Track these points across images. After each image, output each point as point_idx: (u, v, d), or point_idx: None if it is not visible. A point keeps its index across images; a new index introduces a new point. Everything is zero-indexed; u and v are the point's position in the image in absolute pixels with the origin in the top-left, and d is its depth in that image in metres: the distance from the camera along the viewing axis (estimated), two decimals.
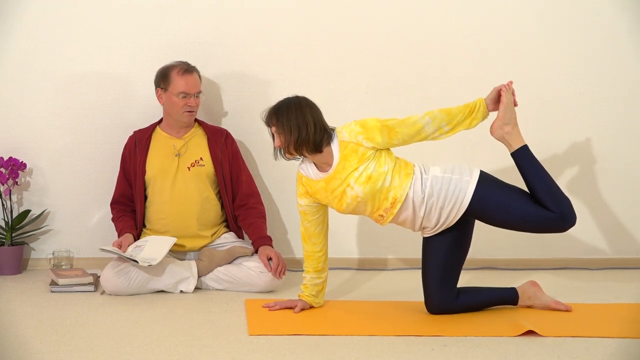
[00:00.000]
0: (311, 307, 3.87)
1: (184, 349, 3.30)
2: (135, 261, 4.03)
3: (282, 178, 4.69)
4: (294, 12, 4.69)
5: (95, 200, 4.68)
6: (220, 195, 4.41)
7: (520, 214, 3.66)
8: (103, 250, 4.16)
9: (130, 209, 4.43)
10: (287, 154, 3.70)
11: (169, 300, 4.03)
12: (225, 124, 4.65)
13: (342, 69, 4.72)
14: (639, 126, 4.84)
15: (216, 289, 4.23)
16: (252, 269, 4.21)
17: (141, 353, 3.25)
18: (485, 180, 3.68)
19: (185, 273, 4.18)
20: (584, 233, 4.82)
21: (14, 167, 4.53)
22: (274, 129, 3.69)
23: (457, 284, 3.79)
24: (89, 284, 4.19)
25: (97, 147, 4.68)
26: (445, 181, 3.66)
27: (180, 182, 4.33)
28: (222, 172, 4.38)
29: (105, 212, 4.58)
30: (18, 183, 4.59)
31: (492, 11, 4.74)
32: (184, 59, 4.42)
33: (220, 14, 4.66)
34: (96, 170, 4.68)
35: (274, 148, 3.72)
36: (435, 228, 3.71)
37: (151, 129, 4.44)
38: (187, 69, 4.32)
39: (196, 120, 4.48)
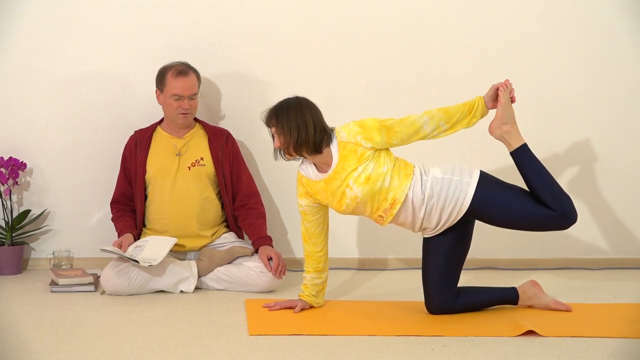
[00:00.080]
0: (311, 307, 3.87)
1: (184, 349, 3.30)
2: (136, 261, 4.03)
3: (282, 178, 4.69)
4: (294, 12, 4.68)
5: (95, 200, 4.68)
6: (220, 196, 4.41)
7: (521, 213, 3.66)
8: (104, 250, 4.16)
9: (130, 208, 4.43)
10: (286, 155, 3.70)
11: (169, 300, 4.03)
12: (225, 124, 4.65)
13: (342, 69, 4.72)
14: (639, 126, 4.84)
15: (216, 289, 4.23)
16: (252, 269, 4.21)
17: (141, 353, 3.25)
18: (485, 181, 3.68)
19: (185, 273, 4.18)
20: (584, 233, 4.82)
21: (14, 167, 4.53)
22: (273, 129, 3.68)
23: (457, 283, 3.79)
24: (89, 284, 4.19)
25: (97, 147, 4.68)
26: (445, 182, 3.66)
27: (181, 181, 4.33)
28: (223, 172, 4.38)
29: (105, 212, 4.58)
30: (18, 183, 4.59)
31: (492, 11, 4.74)
32: (184, 59, 4.42)
33: (220, 14, 4.66)
34: (96, 170, 4.68)
35: (274, 148, 3.72)
36: (436, 229, 3.71)
37: (152, 128, 4.44)
38: (182, 71, 4.30)
39: (197, 120, 4.48)
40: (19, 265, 4.57)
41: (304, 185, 3.76)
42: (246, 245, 4.36)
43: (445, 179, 3.67)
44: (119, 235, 4.31)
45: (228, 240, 4.38)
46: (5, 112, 4.64)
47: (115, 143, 4.60)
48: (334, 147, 3.65)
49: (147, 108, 4.57)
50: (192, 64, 4.40)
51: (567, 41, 4.77)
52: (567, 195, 3.69)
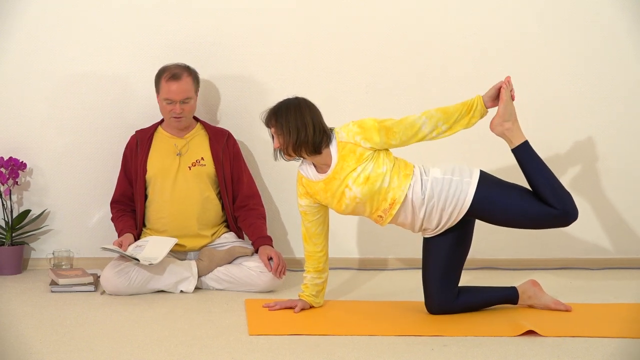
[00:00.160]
0: (311, 307, 3.87)
1: (184, 349, 3.30)
2: (137, 259, 4.03)
3: (282, 178, 4.69)
4: (294, 12, 4.68)
5: (95, 200, 4.68)
6: (220, 196, 4.41)
7: (522, 212, 3.66)
8: (104, 249, 4.16)
9: (130, 208, 4.43)
10: (286, 155, 3.70)
11: (169, 300, 4.03)
12: (225, 124, 4.65)
13: (342, 69, 4.72)
14: (639, 126, 4.84)
15: (216, 289, 4.23)
16: (252, 269, 4.21)
17: (141, 353, 3.25)
18: (486, 181, 3.68)
19: (185, 273, 4.18)
20: (584, 233, 4.82)
21: (14, 167, 4.53)
22: (273, 130, 3.68)
23: (457, 283, 3.79)
24: (89, 284, 4.19)
25: (97, 147, 4.68)
26: (445, 183, 3.66)
27: (181, 181, 4.33)
28: (223, 173, 4.38)
29: (105, 212, 4.58)
30: (18, 183, 4.59)
31: (492, 11, 4.74)
32: (184, 59, 4.42)
33: (220, 14, 4.66)
34: (96, 170, 4.68)
35: (274, 149, 3.72)
36: (437, 229, 3.71)
37: (153, 128, 4.44)
38: (174, 75, 4.28)
39: (199, 120, 4.48)
40: (19, 265, 4.57)
41: (303, 186, 3.76)
42: (246, 245, 4.36)
43: (446, 179, 3.67)
44: (119, 235, 4.31)
45: (228, 240, 4.38)
46: (5, 112, 4.64)
47: (115, 143, 4.60)
48: (333, 148, 3.65)
49: (147, 108, 4.57)
50: (192, 64, 4.40)
51: (567, 41, 4.77)
52: (568, 193, 3.69)
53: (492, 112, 3.78)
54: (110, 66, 4.65)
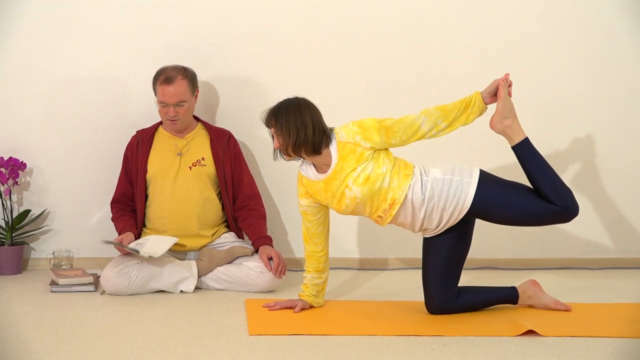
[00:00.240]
0: (311, 307, 3.87)
1: (184, 349, 3.30)
2: (137, 251, 4.04)
3: (282, 178, 4.69)
4: (294, 12, 4.68)
5: (95, 200, 4.68)
6: (221, 196, 4.40)
7: (522, 209, 3.66)
8: (105, 242, 4.16)
9: (130, 208, 4.43)
10: (285, 155, 3.70)
11: (169, 300, 4.03)
12: (225, 124, 4.65)
13: (342, 69, 4.72)
14: (639, 126, 4.84)
15: (216, 289, 4.23)
16: (252, 269, 4.21)
17: (141, 353, 3.25)
18: (486, 180, 3.68)
19: (185, 273, 4.18)
20: (585, 233, 4.82)
21: (14, 167, 4.53)
22: (273, 130, 3.68)
23: (457, 283, 3.79)
24: (89, 284, 4.19)
25: (97, 147, 4.68)
26: (445, 183, 3.66)
27: (181, 181, 4.33)
28: (224, 173, 4.38)
29: (105, 212, 4.58)
30: (18, 183, 4.59)
31: (492, 11, 4.74)
32: (183, 59, 4.42)
33: (220, 14, 4.66)
34: (96, 170, 4.68)
35: (274, 149, 3.72)
36: (437, 229, 3.71)
37: (154, 128, 4.44)
38: (168, 78, 4.26)
39: (200, 120, 4.48)
40: (19, 265, 4.57)
41: (304, 186, 3.76)
42: (246, 245, 4.36)
43: (446, 180, 3.66)
44: (120, 234, 4.31)
45: (228, 240, 4.38)
46: (5, 112, 4.64)
47: (115, 143, 4.61)
48: (333, 148, 3.65)
49: (147, 108, 4.57)
50: (192, 65, 4.40)
51: (567, 41, 4.77)
52: (569, 189, 3.69)
53: (492, 109, 3.78)
54: (110, 66, 4.65)
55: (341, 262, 4.73)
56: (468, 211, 3.65)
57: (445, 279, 3.75)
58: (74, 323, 3.65)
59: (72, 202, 4.69)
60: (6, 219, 4.55)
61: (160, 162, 4.36)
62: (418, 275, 3.90)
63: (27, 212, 4.62)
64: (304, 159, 3.70)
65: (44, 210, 4.67)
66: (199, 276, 4.22)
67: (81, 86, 4.65)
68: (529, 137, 3.74)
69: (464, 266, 3.81)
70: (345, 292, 4.24)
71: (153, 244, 4.15)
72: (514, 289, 3.87)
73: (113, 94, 4.66)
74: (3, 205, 4.56)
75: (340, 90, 4.72)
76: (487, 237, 4.67)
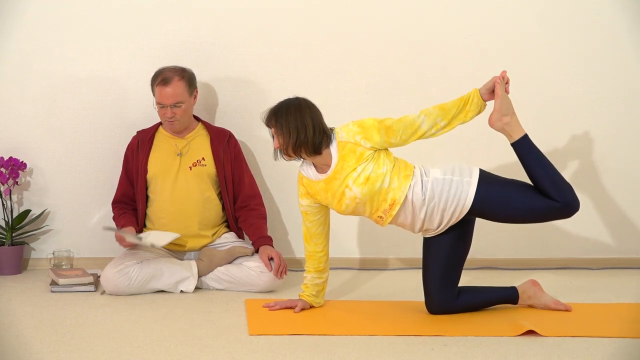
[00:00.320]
0: (311, 307, 3.87)
1: (184, 349, 3.30)
2: (139, 238, 4.04)
3: (282, 178, 4.69)
4: (294, 12, 4.68)
5: (95, 200, 4.68)
6: (221, 196, 4.40)
7: (523, 207, 3.65)
8: (106, 228, 4.17)
9: (131, 207, 4.43)
10: (286, 156, 3.70)
11: (169, 300, 4.03)
12: (225, 124, 4.65)
13: (342, 69, 4.72)
14: (639, 126, 4.84)
15: (216, 289, 4.23)
16: (252, 269, 4.21)
17: (141, 353, 3.25)
18: (486, 179, 3.68)
19: (185, 273, 4.18)
20: (584, 232, 4.82)
21: (14, 167, 4.53)
22: (273, 130, 3.68)
23: (457, 283, 3.78)
24: (89, 284, 4.19)
25: (97, 147, 4.68)
26: (446, 183, 3.66)
27: (182, 181, 4.33)
28: (224, 173, 4.38)
29: (105, 212, 4.58)
30: (18, 183, 4.59)
31: (492, 11, 4.74)
32: (183, 59, 4.43)
33: (220, 14, 4.66)
34: (96, 170, 4.68)
35: (274, 149, 3.72)
36: (438, 230, 3.71)
37: (154, 128, 4.44)
38: (165, 79, 4.26)
39: (200, 120, 4.48)
40: (19, 265, 4.57)
41: (304, 186, 3.76)
42: (246, 245, 4.36)
43: (446, 180, 3.66)
44: None
45: (228, 240, 4.38)
46: (5, 112, 4.64)
47: (115, 143, 4.61)
48: (333, 148, 3.65)
49: (147, 108, 4.57)
50: (192, 65, 4.40)
51: (567, 41, 4.77)
52: (569, 185, 3.69)
53: (490, 107, 3.77)
54: (110, 66, 4.65)
55: (341, 262, 4.73)
56: (469, 210, 3.65)
57: (446, 279, 3.75)
58: (74, 323, 3.65)
59: (72, 202, 4.69)
60: (6, 219, 4.55)
61: (160, 162, 4.36)
62: (418, 275, 3.90)
63: (27, 212, 4.62)
64: (304, 159, 3.70)
65: (44, 210, 4.67)
66: (199, 276, 4.22)
67: (81, 86, 4.65)
68: (527, 134, 3.74)
69: (464, 266, 3.81)
70: (345, 292, 4.24)
71: (154, 236, 4.15)
72: (514, 289, 3.87)
73: (113, 94, 4.66)
74: (3, 205, 4.56)
75: (340, 90, 4.72)
76: (487, 237, 4.67)
